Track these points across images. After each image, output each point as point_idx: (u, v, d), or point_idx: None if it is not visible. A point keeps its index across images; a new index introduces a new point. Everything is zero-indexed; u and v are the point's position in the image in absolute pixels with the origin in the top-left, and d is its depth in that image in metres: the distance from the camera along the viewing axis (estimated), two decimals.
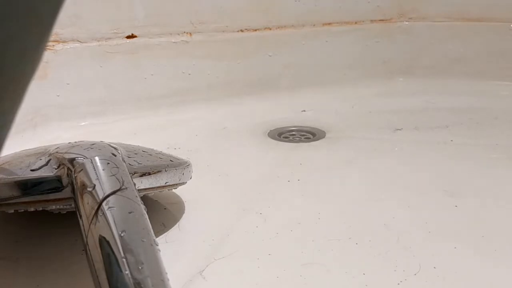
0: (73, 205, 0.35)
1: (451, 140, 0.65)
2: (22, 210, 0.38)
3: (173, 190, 0.49)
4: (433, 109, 0.77)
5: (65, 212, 0.40)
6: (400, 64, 0.87)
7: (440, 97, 0.81)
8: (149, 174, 0.41)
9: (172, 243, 0.43)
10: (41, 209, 0.38)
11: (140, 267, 0.28)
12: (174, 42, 0.74)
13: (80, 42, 0.69)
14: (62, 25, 0.67)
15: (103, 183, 0.34)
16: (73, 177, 0.35)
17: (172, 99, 0.74)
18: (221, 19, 0.76)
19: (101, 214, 0.31)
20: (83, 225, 0.32)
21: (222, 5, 0.76)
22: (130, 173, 0.36)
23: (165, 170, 0.43)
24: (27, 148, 0.45)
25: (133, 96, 0.72)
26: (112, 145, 0.39)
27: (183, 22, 0.74)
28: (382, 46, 0.86)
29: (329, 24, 0.83)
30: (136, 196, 0.34)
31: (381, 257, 0.40)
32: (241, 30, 0.78)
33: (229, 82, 0.78)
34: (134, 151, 0.42)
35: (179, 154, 0.51)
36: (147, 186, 0.41)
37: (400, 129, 0.68)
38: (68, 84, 0.68)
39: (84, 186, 0.34)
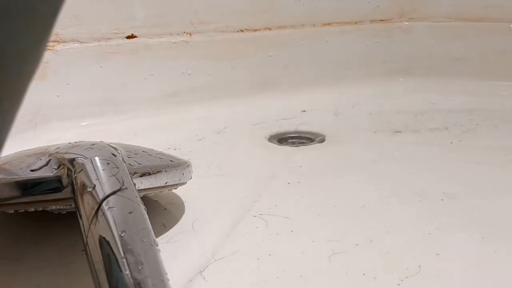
0: (73, 205, 0.35)
1: (451, 143, 0.64)
2: (22, 210, 0.38)
3: (173, 191, 0.49)
4: (433, 110, 0.77)
5: (65, 212, 0.40)
6: (400, 64, 0.87)
7: (440, 98, 0.81)
8: (149, 174, 0.41)
9: (172, 243, 0.43)
10: (41, 209, 0.38)
11: (140, 267, 0.28)
12: (174, 42, 0.74)
13: (80, 42, 0.69)
14: (62, 25, 0.67)
15: (103, 183, 0.33)
16: (73, 177, 0.35)
17: (172, 99, 0.74)
18: (221, 19, 0.76)
19: (101, 214, 0.31)
20: (83, 225, 0.32)
21: (222, 5, 0.76)
22: (130, 173, 0.36)
23: (165, 171, 0.43)
24: (27, 148, 0.45)
25: (133, 96, 0.72)
26: (112, 145, 0.39)
27: (183, 22, 0.74)
28: (382, 46, 0.86)
29: (329, 24, 0.83)
30: (136, 196, 0.34)
31: (381, 258, 0.40)
32: (241, 30, 0.78)
33: (229, 82, 0.78)
34: (134, 151, 0.42)
35: (179, 154, 0.51)
36: (147, 186, 0.41)
37: (400, 132, 0.68)
38: (68, 84, 0.68)
39: (84, 186, 0.34)
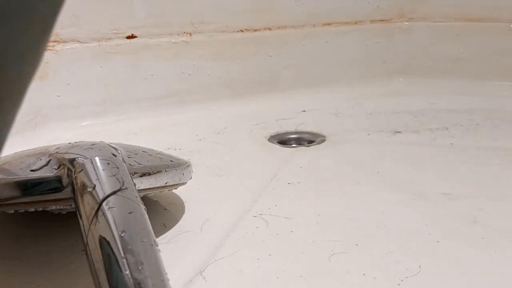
0: (73, 205, 0.35)
1: (451, 143, 0.64)
2: (22, 210, 0.38)
3: (173, 191, 0.49)
4: (433, 110, 0.77)
5: (65, 212, 0.40)
6: (400, 64, 0.87)
7: (440, 98, 0.81)
8: (149, 174, 0.41)
9: (173, 243, 0.43)
10: (41, 209, 0.38)
11: (140, 267, 0.28)
12: (174, 42, 0.74)
13: (80, 42, 0.69)
14: (62, 25, 0.67)
15: (103, 183, 0.34)
16: (73, 177, 0.35)
17: (172, 99, 0.74)
18: (221, 19, 0.76)
19: (101, 214, 0.31)
20: (83, 225, 0.32)
21: (222, 5, 0.76)
22: (130, 174, 0.36)
23: (165, 171, 0.43)
24: (27, 148, 0.45)
25: (133, 96, 0.72)
26: (112, 145, 0.39)
27: (183, 22, 0.74)
28: (382, 46, 0.86)
29: (329, 24, 0.83)
30: (136, 197, 0.34)
31: (381, 258, 0.40)
32: (241, 30, 0.78)
33: (229, 83, 0.78)
34: (134, 151, 0.42)
35: (180, 154, 0.51)
36: (147, 187, 0.41)
37: (400, 132, 0.68)
38: (68, 84, 0.68)
39: (84, 186, 0.34)
